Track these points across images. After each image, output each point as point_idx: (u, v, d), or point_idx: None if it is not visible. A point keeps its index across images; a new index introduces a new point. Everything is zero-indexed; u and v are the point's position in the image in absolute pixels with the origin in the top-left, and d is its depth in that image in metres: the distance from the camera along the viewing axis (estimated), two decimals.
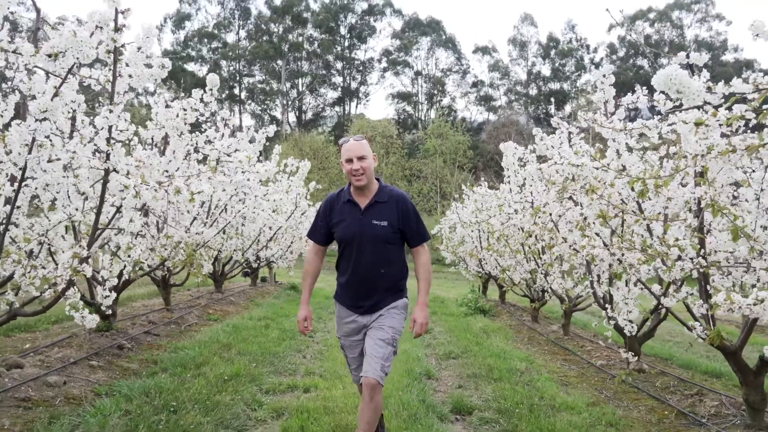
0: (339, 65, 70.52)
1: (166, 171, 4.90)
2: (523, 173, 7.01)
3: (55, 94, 3.25)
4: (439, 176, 36.40)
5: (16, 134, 3.13)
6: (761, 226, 3.31)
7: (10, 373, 4.64)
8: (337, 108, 71.11)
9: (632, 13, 68.67)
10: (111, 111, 3.40)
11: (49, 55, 2.97)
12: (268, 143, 8.17)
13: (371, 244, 3.36)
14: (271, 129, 7.45)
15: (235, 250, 10.08)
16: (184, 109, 5.21)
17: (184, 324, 7.74)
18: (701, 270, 3.84)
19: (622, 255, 4.14)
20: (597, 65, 72.58)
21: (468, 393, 5.36)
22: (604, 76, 4.62)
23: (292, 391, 5.16)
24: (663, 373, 6.26)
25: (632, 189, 4.41)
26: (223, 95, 66.34)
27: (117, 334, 6.42)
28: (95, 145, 3.69)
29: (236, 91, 68.27)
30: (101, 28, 3.22)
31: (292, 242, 12.76)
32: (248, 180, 6.70)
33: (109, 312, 6.37)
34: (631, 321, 4.87)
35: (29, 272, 3.95)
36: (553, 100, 71.20)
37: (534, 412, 4.73)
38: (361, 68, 70.71)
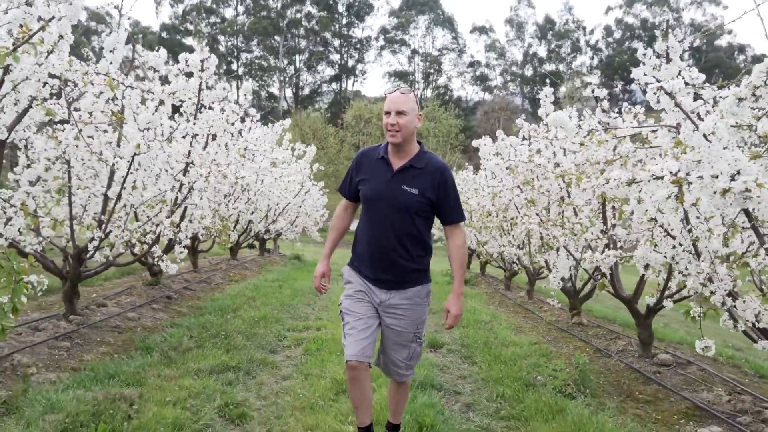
0: (336, 43, 71.22)
1: (214, 160, 6.44)
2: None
3: (156, 110, 4.80)
4: None
5: (133, 134, 4.67)
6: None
7: (99, 309, 6.24)
8: (334, 85, 72.09)
9: None
10: (194, 124, 4.94)
11: (170, 93, 4.51)
12: (271, 122, 9.40)
13: (396, 212, 3.00)
14: (287, 122, 8.98)
15: (250, 222, 11.68)
16: (223, 110, 6.76)
17: (212, 283, 9.37)
18: (604, 240, 5.46)
19: (547, 230, 5.74)
20: (593, 47, 73.83)
21: (440, 335, 6.97)
22: (545, 95, 6.16)
23: (307, 329, 6.78)
24: (598, 326, 7.92)
25: (563, 180, 6.01)
26: (221, 70, 67.13)
27: (164, 288, 8.02)
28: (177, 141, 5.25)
29: (234, 66, 68.89)
30: (192, 72, 4.76)
31: (297, 217, 14.39)
32: (270, 164, 8.25)
33: (158, 270, 7.96)
34: (563, 279, 6.49)
35: (122, 233, 5.53)
36: (548, 81, 72.19)
37: (488, 346, 6.38)
38: (358, 46, 71.50)
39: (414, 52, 71.10)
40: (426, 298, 3.19)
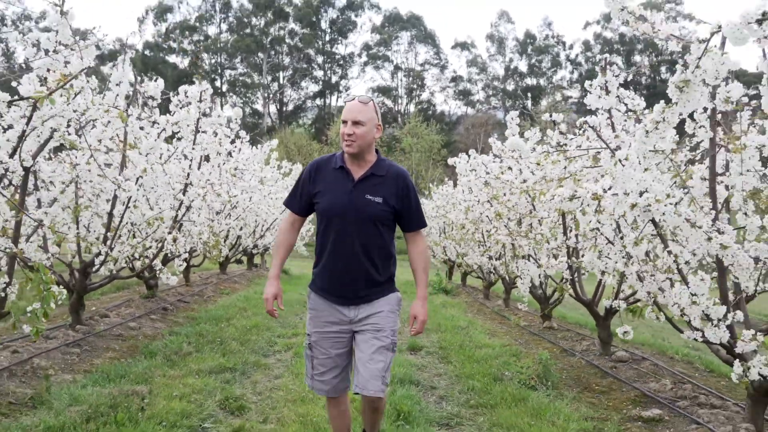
0: (320, 59, 71.90)
1: (208, 180, 6.97)
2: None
3: (157, 137, 5.34)
4: (414, 172, 38.82)
5: (138, 159, 5.20)
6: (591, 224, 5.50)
7: (102, 320, 6.71)
8: (318, 101, 72.69)
9: (607, 11, 71.38)
10: (194, 149, 5.49)
11: (173, 123, 5.06)
12: (256, 139, 9.86)
13: (361, 223, 2.89)
14: (274, 142, 9.59)
15: (239, 237, 12.18)
16: (216, 133, 7.31)
17: (204, 296, 9.84)
18: (565, 248, 6.07)
19: (515, 240, 6.34)
20: (573, 61, 75.41)
21: (420, 340, 7.51)
22: (512, 118, 6.78)
23: (296, 336, 7.28)
24: (567, 330, 8.52)
25: (529, 195, 6.62)
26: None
27: (159, 301, 8.49)
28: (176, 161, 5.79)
29: (218, 83, 69.28)
30: (190, 103, 5.32)
31: None
32: (258, 182, 8.79)
33: (153, 284, 8.44)
34: (533, 286, 7.08)
35: (124, 249, 6.03)
36: (529, 95, 73.25)
37: (463, 348, 6.94)
38: (341, 62, 72.26)
39: (397, 67, 72.03)
40: (397, 305, 3.11)
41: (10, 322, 4.29)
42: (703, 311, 2.98)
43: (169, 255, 6.50)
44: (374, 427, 3.28)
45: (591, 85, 4.56)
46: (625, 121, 4.81)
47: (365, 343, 2.96)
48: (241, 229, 11.30)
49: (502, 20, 74.39)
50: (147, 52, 64.99)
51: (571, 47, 73.66)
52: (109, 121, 4.97)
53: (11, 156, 3.89)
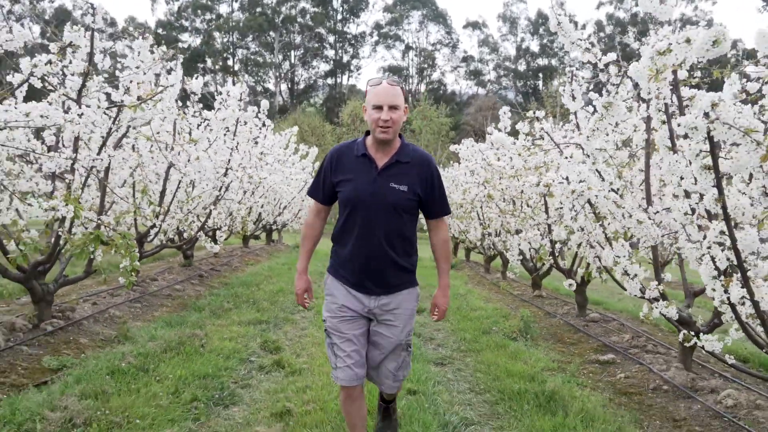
0: (331, 38, 72.14)
1: (240, 163, 8.08)
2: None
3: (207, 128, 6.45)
4: None
5: (190, 150, 6.30)
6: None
7: (152, 283, 7.89)
8: (329, 80, 73.18)
9: None
10: (234, 139, 6.60)
11: (221, 119, 6.17)
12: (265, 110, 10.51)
13: (385, 212, 2.82)
14: (294, 129, 10.64)
15: (259, 214, 13.35)
16: (246, 122, 8.40)
17: (232, 266, 11.03)
18: (545, 225, 7.15)
19: (504, 217, 7.43)
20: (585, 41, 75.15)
21: (422, 303, 8.63)
22: (504, 112, 7.81)
23: (316, 299, 8.42)
24: (555, 298, 9.62)
25: (518, 180, 7.68)
26: (217, 66, 68.27)
27: (195, 269, 9.67)
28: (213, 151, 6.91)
29: (230, 62, 69.85)
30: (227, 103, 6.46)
31: (300, 209, 16.08)
32: (281, 165, 9.89)
33: (190, 254, 9.61)
34: (524, 258, 8.15)
35: (172, 223, 7.17)
36: (541, 75, 73.10)
37: (460, 310, 8.06)
38: (353, 42, 72.50)
39: (408, 47, 72.15)
40: (415, 301, 3.04)
41: (102, 278, 5.45)
42: (623, 269, 4.05)
43: (207, 228, 7.64)
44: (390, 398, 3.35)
45: (563, 86, 5.62)
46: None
47: (380, 337, 2.95)
48: (262, 206, 12.43)
49: None
50: (160, 31, 65.64)
51: (584, 27, 72.84)
52: (165, 117, 6.07)
53: (98, 153, 4.99)
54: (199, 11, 69.29)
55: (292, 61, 71.10)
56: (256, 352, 5.36)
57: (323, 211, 3.08)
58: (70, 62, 4.25)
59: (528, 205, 7.70)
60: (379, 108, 2.76)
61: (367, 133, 2.93)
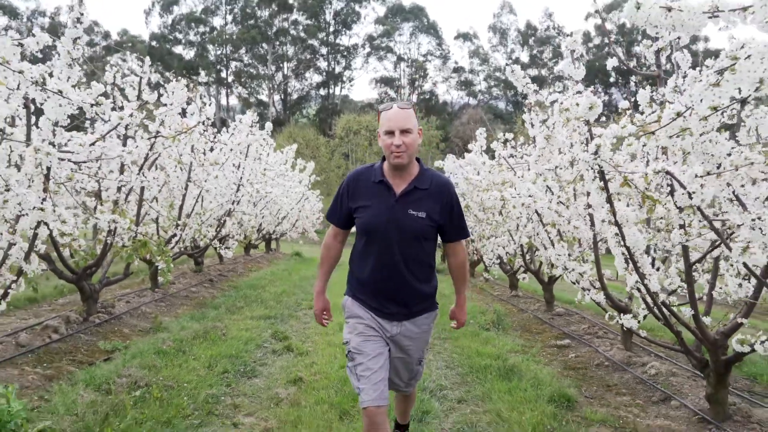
0: (324, 50, 72.99)
1: (248, 179, 9.14)
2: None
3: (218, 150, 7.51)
4: None
5: (209, 169, 7.35)
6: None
7: (171, 286, 8.92)
8: (321, 91, 74.06)
9: (609, 2, 72.64)
10: (245, 159, 7.68)
11: (237, 144, 7.23)
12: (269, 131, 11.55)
13: (403, 239, 2.80)
14: (294, 146, 11.73)
15: (260, 224, 14.41)
16: (250, 144, 9.47)
17: (237, 271, 12.07)
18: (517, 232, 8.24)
19: (481, 225, 8.52)
20: (573, 52, 76.76)
21: None
22: (480, 133, 8.90)
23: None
24: (530, 297, 10.69)
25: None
26: (210, 79, 69.20)
27: (205, 274, 10.69)
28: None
29: (223, 74, 70.64)
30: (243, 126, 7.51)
31: (297, 219, 17.16)
32: (282, 179, 10.95)
33: (201, 261, 10.64)
34: (503, 262, 9.22)
35: (189, 232, 8.21)
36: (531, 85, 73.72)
37: (442, 308, 9.08)
38: (345, 53, 73.31)
39: (399, 58, 73.04)
40: (432, 323, 3.05)
41: (140, 279, 6.46)
42: (563, 265, 5.12)
43: (219, 237, 8.69)
44: (405, 414, 3.40)
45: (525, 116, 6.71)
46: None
47: (397, 363, 2.99)
48: (263, 217, 13.49)
49: (504, 11, 75.09)
50: (153, 43, 66.51)
51: (571, 35, 74.25)
52: (187, 142, 7.12)
53: (138, 173, 6.04)
54: (192, 24, 69.90)
55: (285, 72, 71.91)
56: (268, 340, 6.39)
57: (341, 234, 3.07)
58: (122, 107, 5.30)
59: (500, 213, 8.78)
60: (391, 133, 2.74)
61: (384, 158, 2.89)
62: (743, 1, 2.19)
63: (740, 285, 3.76)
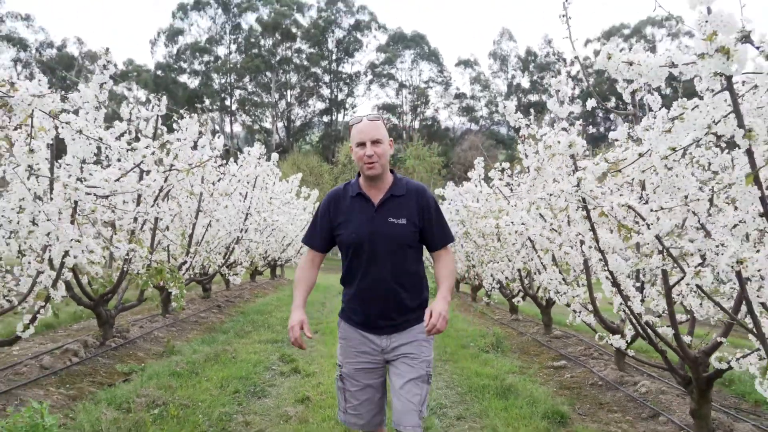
0: (327, 78, 73.99)
1: (255, 208, 9.50)
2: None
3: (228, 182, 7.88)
4: None
5: (219, 199, 7.70)
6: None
7: (181, 312, 9.22)
8: (325, 118, 74.94)
9: (607, 28, 73.50)
10: (253, 189, 8.05)
11: (246, 175, 7.62)
12: (275, 162, 12.12)
13: (388, 249, 2.79)
14: (299, 175, 12.11)
15: (266, 251, 14.76)
16: (258, 175, 9.85)
17: (244, 297, 12.37)
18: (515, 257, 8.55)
19: (481, 251, 8.83)
20: (573, 78, 77.73)
21: None
22: (478, 162, 9.26)
23: (320, 324, 9.76)
24: (529, 321, 10.95)
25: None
26: (215, 107, 70.19)
27: (213, 300, 11.00)
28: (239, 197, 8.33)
29: (227, 102, 71.62)
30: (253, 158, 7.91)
31: (302, 246, 17.53)
32: (287, 207, 11.31)
33: (208, 287, 10.96)
34: (501, 285, 9.52)
35: (199, 259, 8.54)
36: (532, 110, 74.29)
37: (445, 331, 9.37)
38: (348, 81, 74.23)
39: (401, 85, 73.78)
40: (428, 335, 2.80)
41: (155, 304, 6.77)
42: (555, 288, 5.43)
43: (227, 263, 9.03)
44: None
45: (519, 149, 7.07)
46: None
47: (399, 373, 2.82)
48: (269, 244, 13.84)
49: (504, 38, 76.06)
50: (159, 73, 67.58)
51: (572, 64, 74.84)
52: (198, 174, 7.49)
53: (153, 204, 6.39)
54: (197, 54, 70.97)
55: (289, 100, 72.75)
56: (275, 363, 6.67)
57: (317, 258, 3.04)
58: (138, 139, 5.68)
59: (499, 240, 9.10)
60: (362, 145, 2.78)
61: (359, 174, 2.91)
62: (694, 58, 2.55)
63: (701, 304, 4.11)
